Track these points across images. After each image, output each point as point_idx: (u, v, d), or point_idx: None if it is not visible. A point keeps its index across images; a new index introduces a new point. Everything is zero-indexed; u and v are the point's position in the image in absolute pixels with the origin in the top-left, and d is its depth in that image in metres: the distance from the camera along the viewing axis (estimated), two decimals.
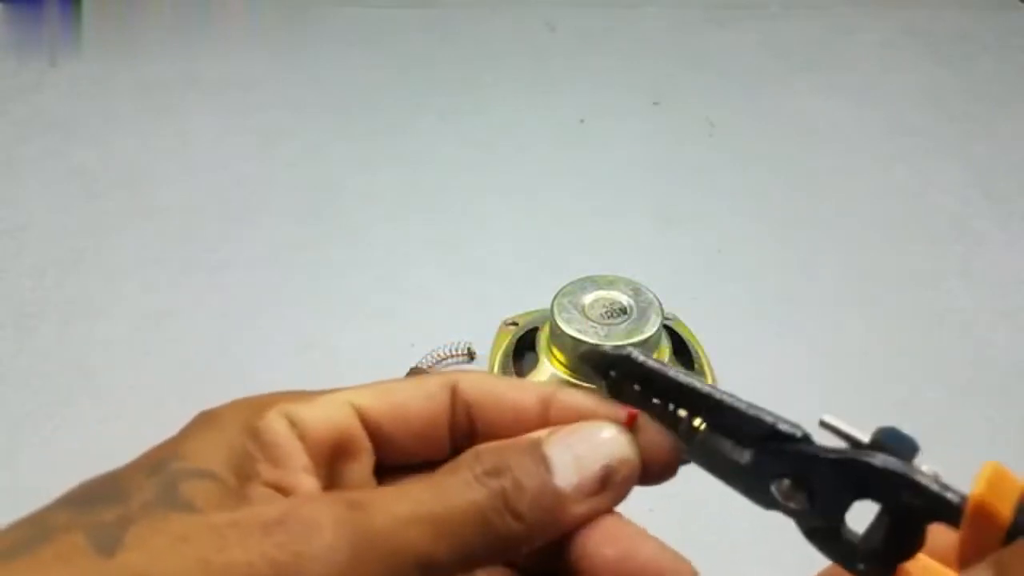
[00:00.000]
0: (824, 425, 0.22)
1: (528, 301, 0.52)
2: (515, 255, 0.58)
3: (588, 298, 0.45)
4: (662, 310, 0.44)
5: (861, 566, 0.23)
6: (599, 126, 0.72)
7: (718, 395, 0.23)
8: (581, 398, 0.26)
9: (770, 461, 0.23)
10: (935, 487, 0.21)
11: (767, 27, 0.88)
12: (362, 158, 0.67)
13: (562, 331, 0.43)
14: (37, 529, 0.19)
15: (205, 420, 0.24)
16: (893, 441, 0.21)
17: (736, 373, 0.48)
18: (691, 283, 0.55)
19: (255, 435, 0.23)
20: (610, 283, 0.45)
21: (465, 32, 0.86)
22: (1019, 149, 0.70)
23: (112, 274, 0.55)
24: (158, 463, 0.21)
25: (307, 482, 0.24)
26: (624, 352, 0.25)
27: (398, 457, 0.27)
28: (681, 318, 0.50)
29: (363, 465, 0.26)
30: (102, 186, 0.63)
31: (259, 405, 0.24)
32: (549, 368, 0.44)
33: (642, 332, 0.43)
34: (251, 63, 0.79)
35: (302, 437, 0.24)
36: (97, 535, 0.19)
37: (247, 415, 0.24)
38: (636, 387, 0.25)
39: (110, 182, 0.64)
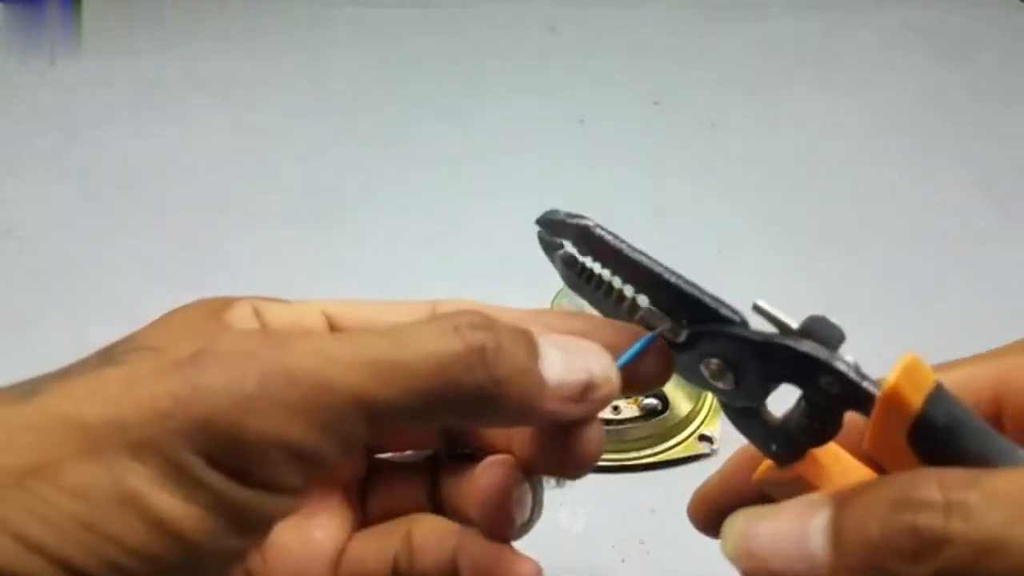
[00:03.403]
0: (757, 309, 0.22)
1: (528, 301, 0.52)
2: (515, 255, 0.58)
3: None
4: None
5: (774, 447, 0.24)
6: (599, 126, 0.72)
7: (666, 275, 0.24)
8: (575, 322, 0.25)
9: (703, 341, 0.24)
10: (853, 375, 0.21)
11: (767, 27, 0.88)
12: (362, 158, 0.67)
13: None
14: None
15: (174, 310, 0.24)
16: (821, 328, 0.22)
17: None
18: None
19: (217, 319, 0.23)
20: None
21: (465, 32, 0.86)
22: (1020, 148, 0.70)
23: (112, 274, 0.55)
24: (116, 343, 0.22)
25: None
26: (582, 222, 0.25)
27: None
28: None
29: None
30: (102, 186, 0.63)
31: (231, 299, 0.24)
32: None
33: None
34: (251, 63, 0.79)
35: (264, 327, 0.24)
36: (22, 388, 0.19)
37: (217, 305, 0.24)
38: (588, 259, 0.25)
39: (110, 182, 0.64)
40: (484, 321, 0.20)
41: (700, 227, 0.61)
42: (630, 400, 0.43)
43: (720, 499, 0.28)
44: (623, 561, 0.39)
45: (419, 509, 0.28)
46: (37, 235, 0.59)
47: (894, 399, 0.20)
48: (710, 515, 0.28)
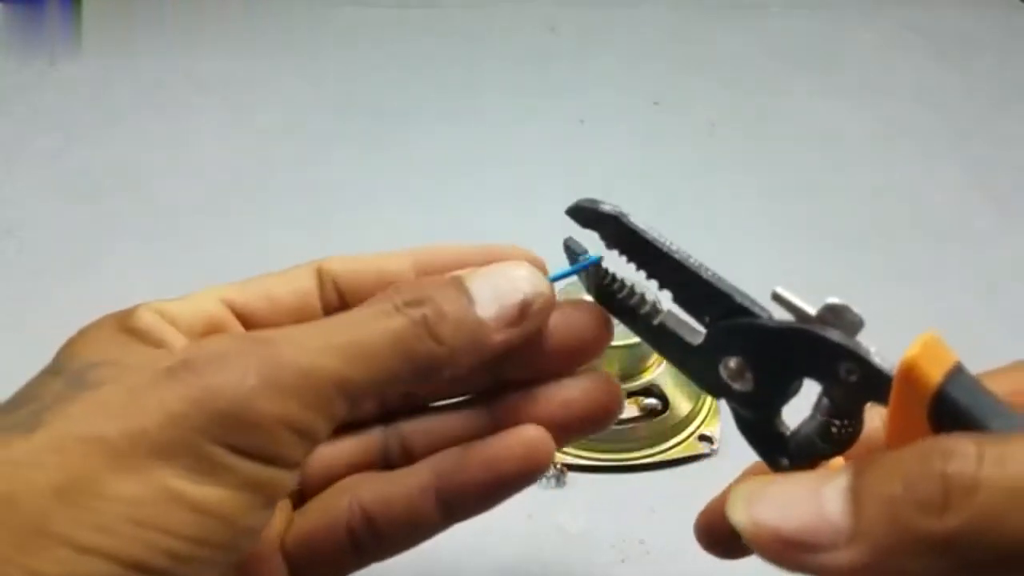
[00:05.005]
0: (776, 298, 0.23)
1: None
2: None
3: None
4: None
5: (784, 461, 0.23)
6: (599, 126, 0.72)
7: (700, 270, 0.24)
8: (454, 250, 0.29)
9: (723, 339, 0.24)
10: (869, 356, 0.21)
11: (767, 27, 0.88)
12: (362, 158, 0.67)
13: None
14: None
15: (81, 331, 0.25)
16: (839, 315, 0.22)
17: None
18: None
19: (129, 328, 0.24)
20: None
21: (465, 32, 0.86)
22: (1020, 148, 0.70)
23: (112, 274, 0.55)
24: (58, 367, 0.22)
25: None
26: (615, 211, 0.25)
27: None
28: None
29: None
30: (102, 186, 0.63)
31: (129, 311, 0.25)
32: None
33: None
34: (251, 63, 0.79)
35: (172, 324, 0.25)
36: (14, 424, 0.20)
37: (119, 317, 0.25)
38: (617, 251, 0.25)
39: (110, 182, 0.64)
40: (419, 294, 0.23)
41: (700, 227, 0.61)
42: (630, 400, 0.44)
43: (725, 518, 0.27)
44: (623, 561, 0.39)
45: (358, 471, 0.27)
46: (37, 235, 0.59)
47: (912, 373, 0.19)
48: (717, 534, 0.28)
